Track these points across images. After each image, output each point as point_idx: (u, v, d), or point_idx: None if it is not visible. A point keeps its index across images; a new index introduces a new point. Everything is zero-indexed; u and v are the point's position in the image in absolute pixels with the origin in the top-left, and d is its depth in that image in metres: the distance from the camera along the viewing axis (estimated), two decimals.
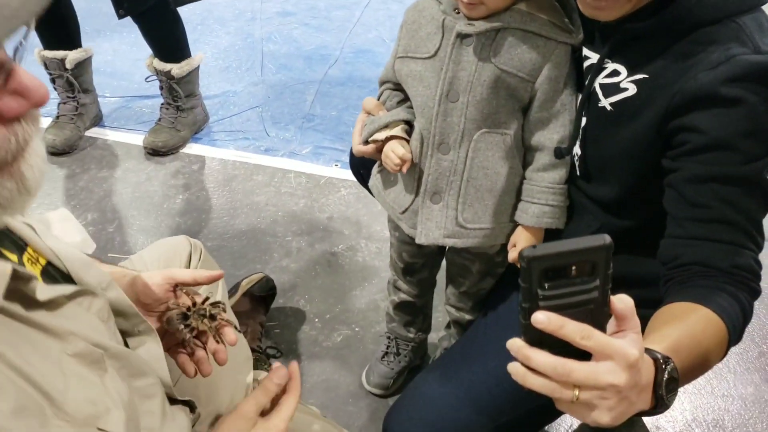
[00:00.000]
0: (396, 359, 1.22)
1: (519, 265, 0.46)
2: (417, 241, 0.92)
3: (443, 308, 1.15)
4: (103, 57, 2.17)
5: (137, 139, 1.87)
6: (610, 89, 0.76)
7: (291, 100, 2.09)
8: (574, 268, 0.45)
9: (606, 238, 0.45)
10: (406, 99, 0.92)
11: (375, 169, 1.01)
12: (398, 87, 0.93)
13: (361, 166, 1.11)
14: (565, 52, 0.81)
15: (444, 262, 1.10)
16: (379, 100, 0.95)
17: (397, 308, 1.17)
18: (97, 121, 1.92)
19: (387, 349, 1.22)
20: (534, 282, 0.45)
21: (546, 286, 0.45)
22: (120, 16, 1.64)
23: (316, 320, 1.37)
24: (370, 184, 1.03)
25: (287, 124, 1.98)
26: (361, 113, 0.96)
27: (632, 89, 0.74)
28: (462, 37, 0.81)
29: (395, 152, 0.86)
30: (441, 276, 1.12)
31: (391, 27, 2.54)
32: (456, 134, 0.85)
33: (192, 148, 1.86)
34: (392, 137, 0.88)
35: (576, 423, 1.20)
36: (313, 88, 2.14)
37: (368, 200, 1.60)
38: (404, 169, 0.86)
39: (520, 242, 0.90)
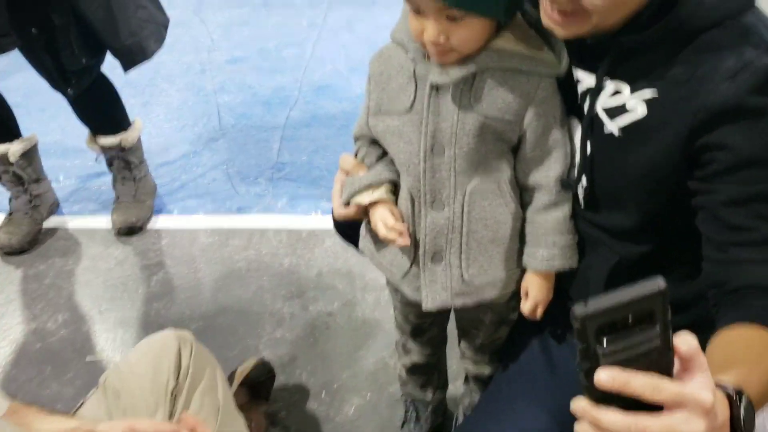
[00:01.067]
0: (417, 426, 1.13)
1: (573, 325, 0.42)
2: (424, 307, 0.84)
3: (456, 357, 1.07)
4: (52, 137, 2.05)
5: (100, 222, 1.75)
6: (615, 111, 0.71)
7: (256, 150, 2.00)
8: (631, 318, 0.42)
9: (661, 283, 0.41)
10: (385, 153, 0.85)
11: (363, 229, 0.93)
12: (375, 141, 0.85)
13: (347, 227, 1.03)
14: (551, 84, 0.75)
15: (453, 315, 1.02)
16: (356, 157, 0.88)
17: (410, 371, 1.09)
18: (55, 208, 1.79)
19: (406, 416, 1.13)
20: (591, 340, 0.42)
21: (604, 342, 0.42)
22: (69, 97, 1.55)
23: (323, 393, 1.27)
24: (361, 246, 0.94)
25: (256, 177, 1.89)
26: (339, 173, 0.89)
27: (642, 110, 0.69)
28: (437, 87, 0.74)
29: (386, 224, 0.78)
30: (451, 326, 1.04)
31: (347, 57, 2.47)
32: (448, 189, 0.78)
33: (158, 222, 1.75)
34: (378, 202, 0.81)
35: None
36: (277, 135, 2.05)
37: None
38: (401, 242, 0.79)
39: (533, 289, 0.83)
